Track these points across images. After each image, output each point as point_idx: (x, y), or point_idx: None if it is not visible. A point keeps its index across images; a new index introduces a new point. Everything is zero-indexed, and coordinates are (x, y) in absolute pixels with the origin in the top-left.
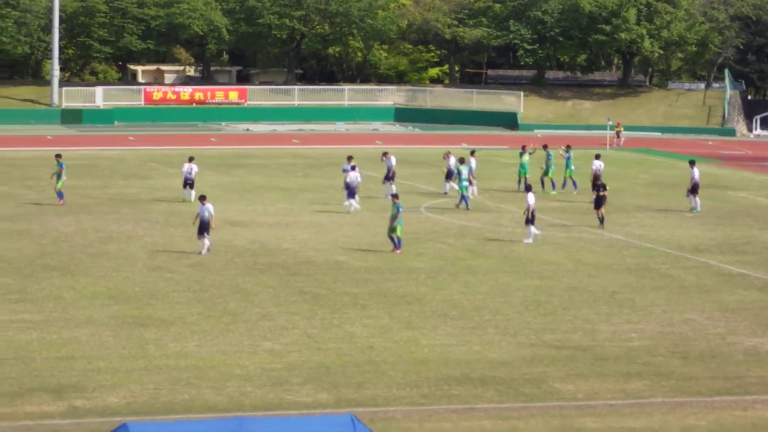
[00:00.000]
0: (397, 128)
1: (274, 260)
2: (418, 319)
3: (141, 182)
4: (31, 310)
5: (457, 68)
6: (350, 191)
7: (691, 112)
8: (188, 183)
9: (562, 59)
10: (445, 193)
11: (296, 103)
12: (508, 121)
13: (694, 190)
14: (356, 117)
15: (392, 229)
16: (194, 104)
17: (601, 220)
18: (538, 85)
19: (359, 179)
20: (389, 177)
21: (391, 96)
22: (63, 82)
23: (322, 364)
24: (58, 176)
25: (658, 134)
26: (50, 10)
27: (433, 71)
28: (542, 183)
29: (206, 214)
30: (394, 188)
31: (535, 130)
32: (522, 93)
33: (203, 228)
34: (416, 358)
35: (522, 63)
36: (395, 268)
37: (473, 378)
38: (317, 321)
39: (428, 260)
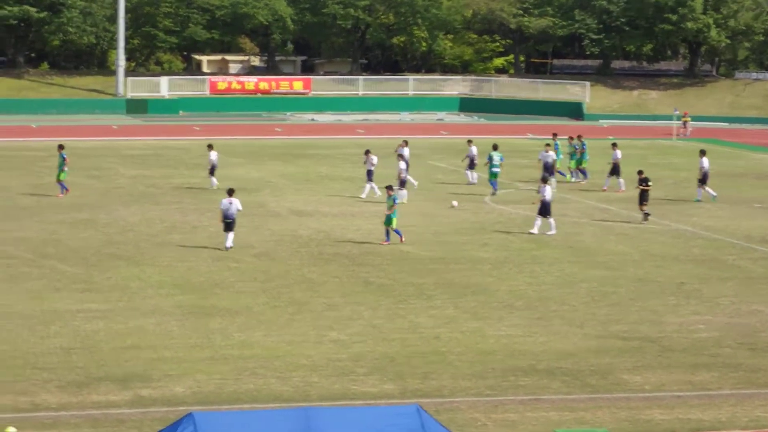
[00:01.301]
0: (461, 118)
1: (339, 250)
2: (483, 310)
3: (205, 172)
4: (97, 300)
5: (522, 58)
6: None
7: (759, 102)
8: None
9: (628, 49)
10: (471, 183)
11: (361, 93)
12: (574, 111)
13: (703, 180)
14: (421, 107)
15: (388, 221)
16: (259, 94)
17: (646, 216)
18: (603, 75)
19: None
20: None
21: (456, 86)
22: (128, 72)
23: (388, 355)
24: (60, 167)
25: (724, 124)
26: (116, 0)
27: (498, 61)
28: (572, 172)
29: (233, 209)
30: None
31: (601, 121)
32: (588, 83)
33: (228, 224)
34: (482, 348)
35: (587, 53)
36: (460, 258)
37: (539, 369)
38: (382, 311)
39: (493, 250)
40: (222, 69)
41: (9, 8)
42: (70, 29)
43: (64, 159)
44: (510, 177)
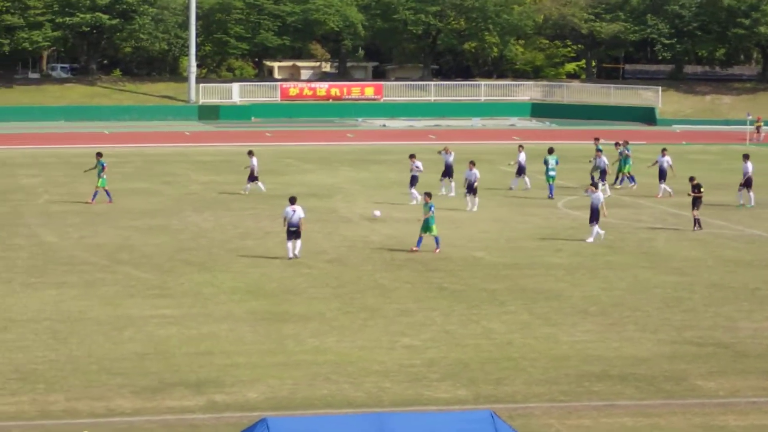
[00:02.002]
0: (533, 124)
1: (411, 256)
2: (557, 316)
3: (277, 178)
4: (170, 305)
5: (593, 63)
6: (447, 172)
7: None
8: (254, 176)
9: (700, 53)
10: (510, 188)
11: (432, 98)
12: (646, 116)
13: (747, 184)
14: (492, 113)
15: (426, 228)
16: (330, 100)
17: (696, 222)
18: (676, 80)
19: (419, 170)
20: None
21: (528, 91)
22: (200, 79)
23: (461, 361)
24: (99, 175)
25: None
26: (187, 6)
27: (570, 66)
28: (618, 179)
29: (296, 217)
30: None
31: (674, 126)
32: (660, 88)
33: (292, 233)
34: (555, 354)
35: (660, 57)
36: (533, 263)
37: (613, 375)
38: (455, 317)
39: (567, 256)
40: (293, 75)
41: (82, 15)
42: (142, 36)
43: (103, 167)
44: (582, 182)
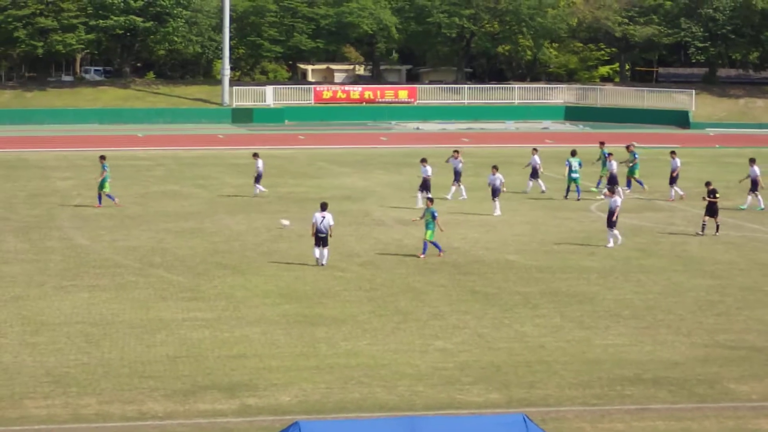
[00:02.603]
0: (567, 127)
1: (444, 259)
2: (590, 319)
3: (311, 181)
4: (203, 309)
5: (627, 66)
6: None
7: None
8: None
9: (733, 57)
10: (525, 192)
11: (466, 101)
12: (680, 119)
13: (754, 187)
14: (526, 116)
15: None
16: (364, 103)
17: (704, 227)
18: (709, 83)
19: (428, 174)
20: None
21: (561, 94)
22: (234, 82)
23: (493, 364)
24: (103, 180)
25: None
26: (221, 9)
27: (603, 69)
28: (628, 183)
29: (325, 224)
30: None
31: (707, 129)
32: (693, 91)
33: (320, 239)
34: (588, 358)
35: (693, 61)
36: (566, 267)
37: (646, 378)
38: (488, 320)
39: (600, 259)
40: (327, 78)
41: (115, 18)
42: (176, 39)
43: (104, 170)
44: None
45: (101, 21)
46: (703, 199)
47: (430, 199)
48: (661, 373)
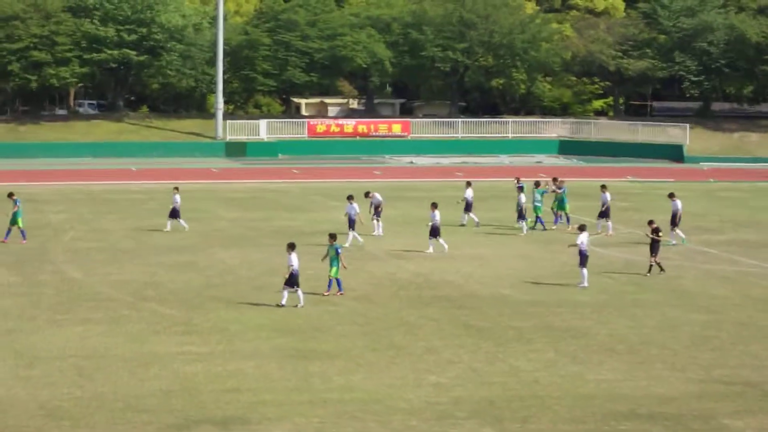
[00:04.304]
0: (561, 161)
1: (438, 293)
2: (583, 354)
3: (305, 215)
4: (197, 342)
5: (621, 100)
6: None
7: None
8: (176, 213)
9: (728, 91)
10: (463, 224)
11: (460, 135)
12: (674, 153)
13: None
14: (520, 149)
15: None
16: (358, 137)
17: (653, 266)
18: (703, 117)
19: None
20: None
21: (555, 128)
22: (227, 115)
23: (487, 398)
24: (15, 214)
25: None
26: (214, 43)
27: (597, 103)
28: (556, 217)
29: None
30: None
31: (701, 163)
32: (687, 125)
33: (293, 279)
34: (582, 393)
35: (687, 95)
36: (560, 301)
37: (640, 414)
38: (482, 355)
39: (593, 294)
40: (321, 112)
41: (109, 51)
42: (170, 72)
43: (16, 205)
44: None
45: (95, 54)
46: (647, 235)
47: (333, 236)
48: (655, 409)
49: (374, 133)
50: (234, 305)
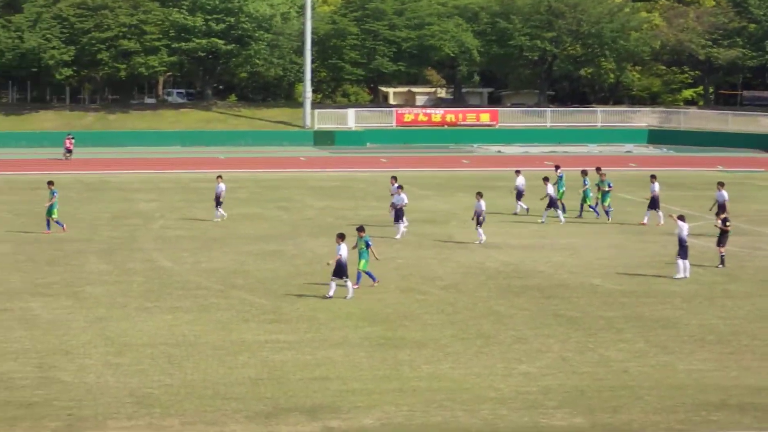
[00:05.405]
0: (650, 150)
1: (528, 283)
2: (674, 344)
3: (211, 203)
4: (285, 331)
5: (711, 89)
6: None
7: None
8: (219, 202)
9: None
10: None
11: (548, 124)
12: (765, 143)
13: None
14: (609, 139)
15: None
16: (445, 126)
17: (722, 260)
18: None
19: (405, 201)
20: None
21: (645, 118)
22: (315, 104)
23: (577, 388)
24: (52, 205)
25: None
26: (302, 32)
27: (687, 93)
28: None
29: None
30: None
31: None
32: None
33: (341, 270)
34: (672, 383)
35: None
36: (650, 291)
37: (731, 404)
38: (572, 344)
39: (684, 284)
40: (408, 101)
41: (198, 41)
42: (258, 62)
43: (53, 195)
44: (701, 209)
45: (183, 44)
46: (715, 225)
47: (361, 228)
48: (746, 399)
49: (462, 122)
50: (322, 294)
